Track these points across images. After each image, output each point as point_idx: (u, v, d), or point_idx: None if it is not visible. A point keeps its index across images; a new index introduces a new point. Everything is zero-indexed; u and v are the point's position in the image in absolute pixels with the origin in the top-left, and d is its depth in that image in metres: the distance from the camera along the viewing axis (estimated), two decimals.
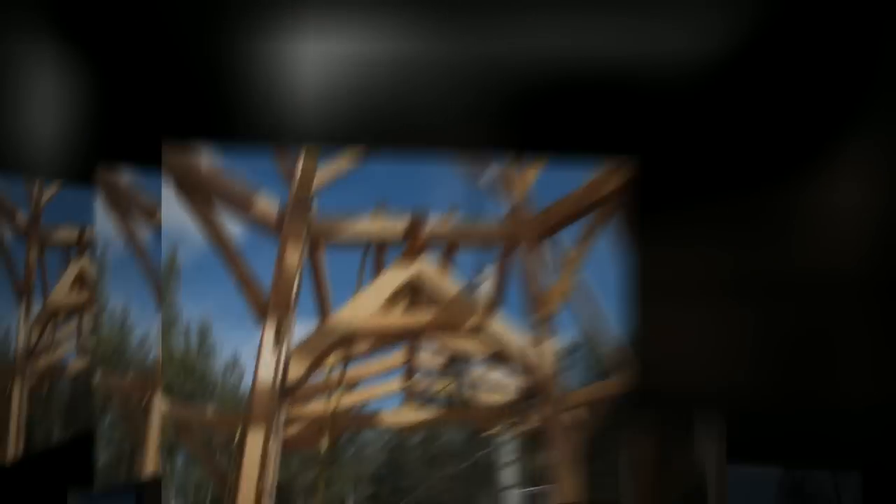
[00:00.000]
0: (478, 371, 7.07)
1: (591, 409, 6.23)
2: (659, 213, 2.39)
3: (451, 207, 4.97)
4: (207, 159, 3.58)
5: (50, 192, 2.30)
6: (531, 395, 6.36)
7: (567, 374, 6.32)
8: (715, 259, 2.28)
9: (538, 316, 4.31)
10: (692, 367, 2.28)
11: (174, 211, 3.43)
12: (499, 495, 7.50)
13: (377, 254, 5.12)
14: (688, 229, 2.32)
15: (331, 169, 4.74)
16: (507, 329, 4.42)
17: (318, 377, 6.37)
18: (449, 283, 4.57)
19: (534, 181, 4.99)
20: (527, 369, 4.19)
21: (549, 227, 4.60)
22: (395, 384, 7.15)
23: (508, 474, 7.90)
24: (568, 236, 4.85)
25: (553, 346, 4.13)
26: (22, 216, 2.21)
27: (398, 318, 4.46)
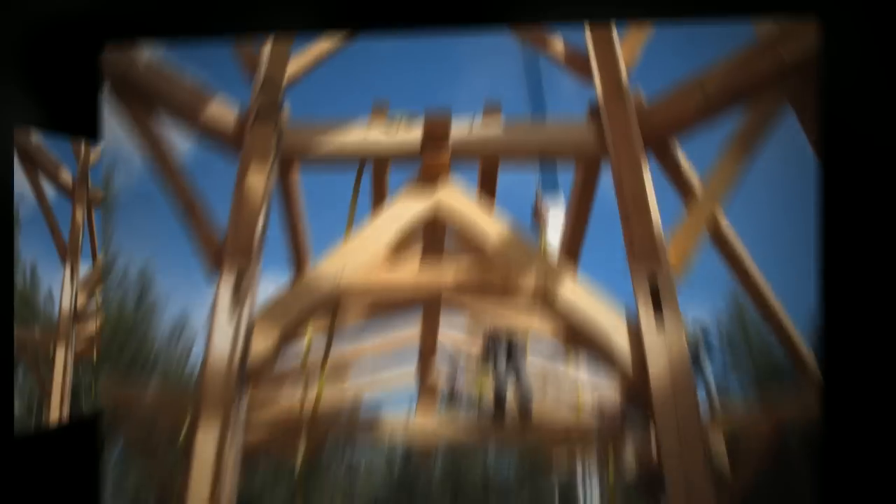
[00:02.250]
0: (540, 363, 5.42)
1: (751, 437, 4.52)
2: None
3: (489, 103, 3.43)
4: (148, 57, 3.23)
5: None
6: (633, 408, 4.79)
7: (701, 376, 4.64)
8: None
9: (647, 276, 2.62)
10: None
11: (114, 132, 3.25)
12: None
13: (377, 176, 4.08)
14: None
15: (308, 55, 3.87)
16: (592, 297, 2.76)
17: (293, 356, 5.23)
18: (490, 221, 3.07)
19: (640, 52, 3.26)
20: (625, 365, 2.53)
21: (668, 126, 3.13)
22: (404, 374, 5.70)
23: None
24: (702, 143, 3.18)
25: (676, 328, 2.44)
26: None
27: (409, 272, 3.13)
